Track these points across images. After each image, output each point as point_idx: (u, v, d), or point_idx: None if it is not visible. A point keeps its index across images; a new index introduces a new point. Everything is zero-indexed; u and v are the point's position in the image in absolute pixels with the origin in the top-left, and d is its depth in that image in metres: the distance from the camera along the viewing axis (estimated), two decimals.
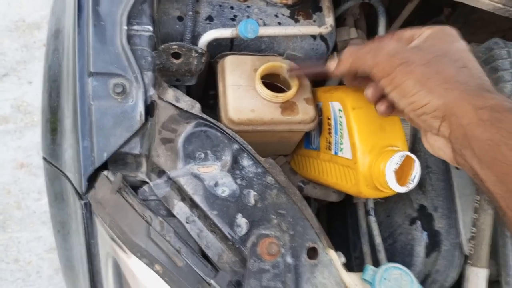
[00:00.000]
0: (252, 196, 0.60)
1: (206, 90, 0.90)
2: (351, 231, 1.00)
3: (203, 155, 0.61)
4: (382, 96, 0.58)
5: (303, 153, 0.85)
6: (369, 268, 0.64)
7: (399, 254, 0.76)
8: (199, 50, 0.68)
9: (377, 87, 0.56)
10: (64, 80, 0.72)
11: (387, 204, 0.87)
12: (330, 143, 0.75)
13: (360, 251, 0.87)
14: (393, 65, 0.51)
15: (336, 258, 0.62)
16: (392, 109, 0.58)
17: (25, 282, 1.74)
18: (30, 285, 1.73)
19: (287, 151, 0.87)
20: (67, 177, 0.70)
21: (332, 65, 0.63)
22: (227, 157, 0.61)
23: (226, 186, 0.59)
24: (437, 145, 0.53)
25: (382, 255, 0.77)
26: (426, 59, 0.50)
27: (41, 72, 0.98)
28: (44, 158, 0.81)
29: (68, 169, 0.69)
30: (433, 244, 0.76)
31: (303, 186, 0.85)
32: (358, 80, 0.63)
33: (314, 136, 0.80)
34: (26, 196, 1.85)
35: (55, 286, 1.75)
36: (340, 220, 1.05)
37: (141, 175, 0.65)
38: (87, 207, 0.63)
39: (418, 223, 0.77)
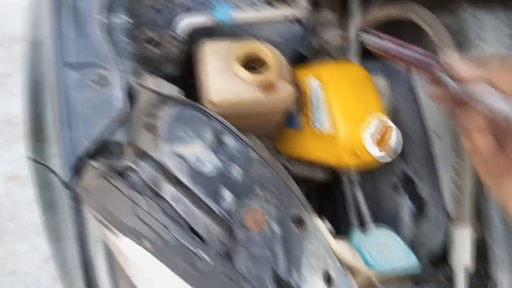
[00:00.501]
0: (235, 171, 0.61)
1: (185, 80, 0.91)
2: (339, 208, 1.01)
3: (185, 135, 0.62)
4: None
5: (286, 132, 0.86)
6: (356, 234, 0.66)
7: (385, 222, 0.77)
8: (177, 37, 0.69)
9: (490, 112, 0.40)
10: (43, 75, 0.73)
11: (372, 175, 0.89)
12: (310, 119, 0.76)
13: (349, 224, 0.89)
14: None
15: (322, 226, 0.64)
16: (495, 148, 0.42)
17: None
18: None
19: (270, 132, 0.89)
20: (53, 171, 0.70)
21: (462, 66, 0.42)
22: (209, 136, 0.62)
23: (210, 163, 0.61)
24: None
25: (368, 224, 0.78)
26: None
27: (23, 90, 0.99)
28: (29, 157, 0.82)
29: (53, 163, 0.70)
30: (418, 210, 0.78)
31: (288, 165, 0.87)
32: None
33: (295, 114, 0.82)
34: (19, 208, 1.85)
35: None
36: (330, 203, 1.06)
37: (126, 162, 0.66)
38: (74, 196, 0.64)
39: (402, 190, 0.79)
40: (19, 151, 1.92)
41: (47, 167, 0.71)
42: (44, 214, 0.88)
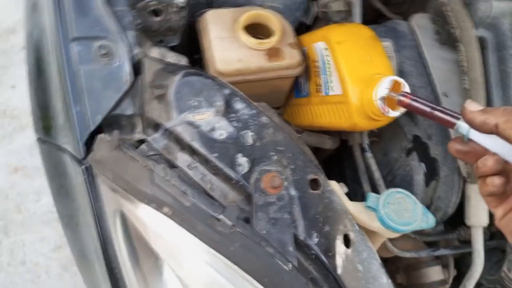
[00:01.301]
0: (249, 136, 0.60)
1: (191, 55, 0.90)
2: (349, 181, 1.01)
3: (196, 103, 0.61)
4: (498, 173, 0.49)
5: (294, 103, 0.86)
6: (372, 195, 0.65)
7: (399, 187, 0.77)
8: (179, 4, 0.68)
9: (499, 160, 0.48)
10: (48, 54, 0.71)
11: (383, 143, 0.88)
12: (319, 85, 0.75)
13: (362, 196, 0.88)
14: None
15: (338, 188, 0.64)
16: (505, 187, 0.49)
17: (34, 284, 1.74)
18: (40, 285, 1.73)
19: (279, 103, 0.88)
20: (64, 150, 0.70)
21: (473, 107, 0.50)
22: (220, 102, 0.61)
23: (223, 129, 0.60)
24: None
25: (382, 189, 0.78)
26: None
27: (23, 75, 0.97)
28: (39, 139, 0.81)
29: (64, 141, 0.69)
30: (432, 172, 0.78)
31: (298, 135, 0.86)
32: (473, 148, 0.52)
33: (303, 83, 0.81)
34: (24, 199, 1.84)
35: (65, 283, 1.75)
36: (339, 176, 1.06)
37: (138, 135, 0.66)
38: (88, 170, 0.63)
39: (414, 153, 0.79)
40: (21, 143, 1.92)
41: (58, 146, 0.71)
42: (58, 201, 0.87)
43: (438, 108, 0.54)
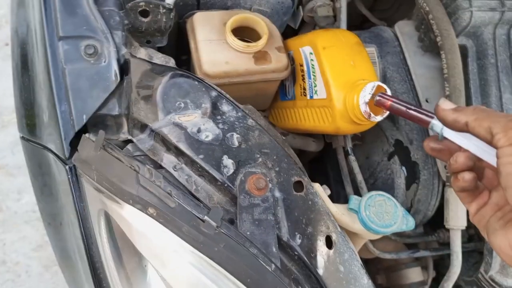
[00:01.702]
0: (235, 138, 0.61)
1: (178, 56, 0.90)
2: (333, 183, 1.03)
3: (182, 105, 0.61)
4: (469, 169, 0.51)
5: (279, 105, 0.87)
6: (354, 198, 0.67)
7: (381, 189, 0.78)
8: (167, 6, 0.68)
9: (470, 156, 0.50)
10: (34, 52, 0.71)
11: (365, 146, 0.90)
12: (304, 89, 0.77)
13: (345, 198, 0.90)
14: None
15: (321, 191, 0.65)
16: (476, 182, 0.52)
17: (15, 283, 1.71)
18: (20, 285, 1.71)
19: (265, 105, 0.89)
20: (49, 149, 0.69)
21: (446, 105, 0.52)
22: (207, 104, 0.62)
23: (209, 131, 0.61)
24: None
25: (364, 192, 0.79)
26: None
27: (5, 71, 0.96)
28: (23, 137, 0.80)
29: (48, 140, 0.69)
30: (412, 176, 0.80)
31: (283, 137, 0.87)
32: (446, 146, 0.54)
33: (288, 86, 0.82)
34: (5, 197, 1.82)
35: (45, 283, 1.73)
36: (323, 178, 1.08)
37: (123, 136, 0.66)
38: (72, 170, 0.63)
39: (396, 157, 0.80)
40: (3, 140, 1.89)
41: (43, 145, 0.70)
42: (41, 200, 0.86)
43: (413, 108, 0.56)
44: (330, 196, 0.68)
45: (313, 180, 0.67)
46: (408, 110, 0.56)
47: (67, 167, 0.63)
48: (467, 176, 0.50)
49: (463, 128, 0.50)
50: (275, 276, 0.54)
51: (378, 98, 0.60)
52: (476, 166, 0.52)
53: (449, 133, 0.53)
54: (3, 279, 1.70)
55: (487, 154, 0.50)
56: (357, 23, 1.10)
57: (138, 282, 0.61)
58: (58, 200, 0.73)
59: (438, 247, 0.90)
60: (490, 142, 0.47)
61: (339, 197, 0.98)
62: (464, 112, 0.50)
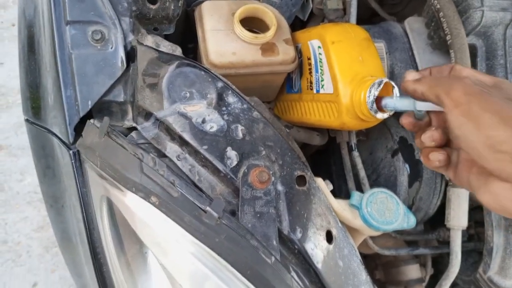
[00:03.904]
0: (240, 130, 0.61)
1: (185, 44, 0.90)
2: (335, 177, 1.03)
3: (188, 94, 0.61)
4: (441, 146, 0.55)
5: (285, 98, 0.86)
6: (356, 194, 0.67)
7: (383, 186, 0.78)
8: None
9: (441, 131, 0.54)
10: (41, 35, 0.71)
11: (369, 142, 0.90)
12: (311, 82, 0.76)
13: (346, 193, 0.90)
14: (472, 93, 0.46)
15: (324, 186, 0.65)
16: (449, 160, 0.54)
17: (15, 263, 1.73)
18: (21, 265, 1.73)
19: (270, 97, 0.89)
20: (53, 133, 0.70)
21: (411, 75, 0.56)
22: (212, 95, 0.62)
23: (214, 122, 0.60)
24: (505, 195, 0.45)
25: (366, 188, 0.79)
26: (508, 96, 0.47)
27: (11, 52, 0.96)
28: (27, 120, 0.80)
29: (52, 124, 0.69)
30: (415, 174, 0.80)
31: (287, 130, 0.87)
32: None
33: (295, 79, 0.82)
34: (8, 178, 1.83)
35: (46, 263, 1.75)
36: (325, 171, 1.08)
37: (128, 123, 0.66)
38: (76, 156, 0.63)
39: (399, 154, 0.80)
40: (7, 121, 1.89)
41: (47, 129, 0.70)
42: (44, 182, 0.87)
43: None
44: (332, 191, 0.68)
45: (316, 173, 0.67)
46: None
47: (70, 152, 0.63)
48: (441, 157, 0.53)
49: (421, 97, 0.53)
50: (275, 268, 0.54)
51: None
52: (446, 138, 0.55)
53: (420, 105, 0.55)
54: (4, 258, 1.72)
55: None
56: (366, 17, 1.09)
57: (139, 268, 0.62)
58: (61, 182, 0.73)
59: (438, 245, 0.91)
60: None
61: (340, 191, 0.98)
62: (421, 82, 0.53)
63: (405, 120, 0.59)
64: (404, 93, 0.56)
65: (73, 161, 0.63)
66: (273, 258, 0.55)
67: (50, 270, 1.74)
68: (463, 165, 0.53)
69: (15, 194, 1.80)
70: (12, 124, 1.89)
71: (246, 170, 0.58)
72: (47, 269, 1.74)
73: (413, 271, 0.89)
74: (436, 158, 0.54)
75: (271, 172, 0.59)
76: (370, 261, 0.97)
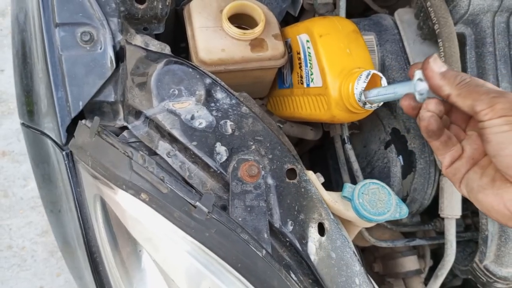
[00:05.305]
0: (228, 126, 0.61)
1: (177, 43, 0.91)
2: (332, 171, 1.03)
3: (176, 92, 0.62)
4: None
5: (277, 93, 0.87)
6: (347, 185, 0.67)
7: (377, 178, 0.79)
8: None
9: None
10: (32, 39, 0.72)
11: (363, 135, 0.90)
12: (301, 77, 0.76)
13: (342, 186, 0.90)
14: None
15: (315, 178, 0.65)
16: (443, 130, 0.52)
17: (21, 267, 1.75)
18: (26, 269, 1.74)
19: (263, 93, 0.89)
20: (47, 135, 0.70)
21: (437, 66, 0.50)
22: (201, 91, 0.62)
23: (203, 118, 0.61)
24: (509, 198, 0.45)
25: (360, 180, 0.79)
26: None
27: (12, 59, 0.97)
28: (23, 124, 0.81)
29: (46, 127, 0.70)
30: (409, 165, 0.80)
31: (280, 126, 0.87)
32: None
33: (286, 74, 0.82)
34: (11, 183, 1.84)
35: (51, 268, 1.76)
36: (323, 166, 1.08)
37: (120, 122, 0.66)
38: (69, 156, 0.64)
39: (392, 146, 0.80)
40: (9, 127, 1.91)
41: (41, 131, 0.71)
42: (42, 187, 0.88)
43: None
44: (328, 184, 0.68)
45: (313, 168, 0.67)
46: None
47: (64, 153, 0.64)
48: (432, 106, 0.50)
49: (444, 97, 0.49)
50: (266, 261, 0.55)
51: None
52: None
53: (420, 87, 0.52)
54: (10, 263, 1.73)
55: None
56: (359, 11, 1.09)
57: (133, 266, 0.62)
58: (57, 187, 0.74)
59: (435, 236, 0.91)
60: (472, 115, 0.47)
61: (338, 185, 0.98)
62: (449, 83, 0.49)
63: (404, 102, 0.55)
64: (426, 80, 0.51)
65: (66, 161, 0.64)
66: (264, 251, 0.56)
67: (56, 274, 1.75)
68: (465, 160, 0.52)
69: (19, 200, 1.82)
70: (14, 130, 1.91)
71: (235, 165, 0.59)
72: (53, 273, 1.75)
73: (410, 263, 0.90)
74: (427, 105, 0.50)
75: (260, 166, 0.60)
76: (369, 254, 0.97)
